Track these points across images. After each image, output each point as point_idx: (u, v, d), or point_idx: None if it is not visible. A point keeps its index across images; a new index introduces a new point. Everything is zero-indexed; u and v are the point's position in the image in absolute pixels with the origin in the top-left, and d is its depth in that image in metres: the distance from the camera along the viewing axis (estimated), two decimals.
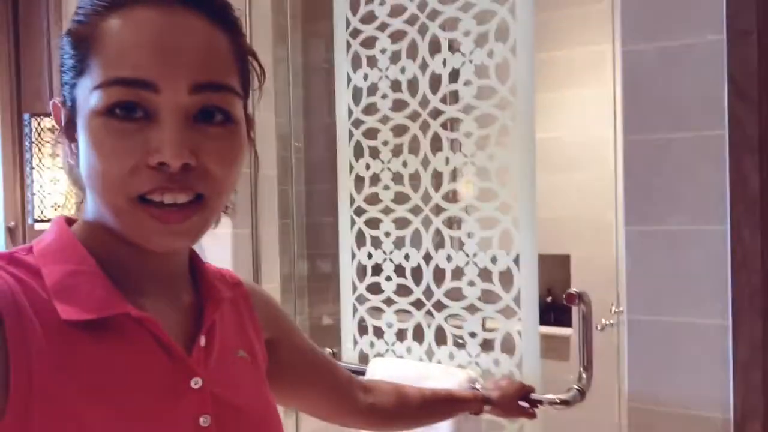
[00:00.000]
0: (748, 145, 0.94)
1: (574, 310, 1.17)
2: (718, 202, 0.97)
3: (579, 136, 2.23)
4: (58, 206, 1.66)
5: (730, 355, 0.96)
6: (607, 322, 1.72)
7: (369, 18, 1.34)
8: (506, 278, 1.18)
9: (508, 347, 1.19)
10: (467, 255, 1.23)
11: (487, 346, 1.22)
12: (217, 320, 0.56)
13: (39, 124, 1.66)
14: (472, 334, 1.23)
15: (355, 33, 1.36)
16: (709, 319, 0.98)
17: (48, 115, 1.68)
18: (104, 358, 0.46)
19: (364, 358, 1.38)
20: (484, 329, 1.22)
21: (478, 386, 1.10)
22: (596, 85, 2.14)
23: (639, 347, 1.03)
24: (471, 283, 1.22)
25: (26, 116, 1.66)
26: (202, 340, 0.53)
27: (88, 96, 0.45)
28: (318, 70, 2.65)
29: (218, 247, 1.48)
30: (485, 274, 1.21)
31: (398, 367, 1.25)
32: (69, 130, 0.50)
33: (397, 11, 1.30)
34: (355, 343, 1.39)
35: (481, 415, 0.99)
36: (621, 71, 1.04)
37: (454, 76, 1.23)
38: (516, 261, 1.16)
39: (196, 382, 0.50)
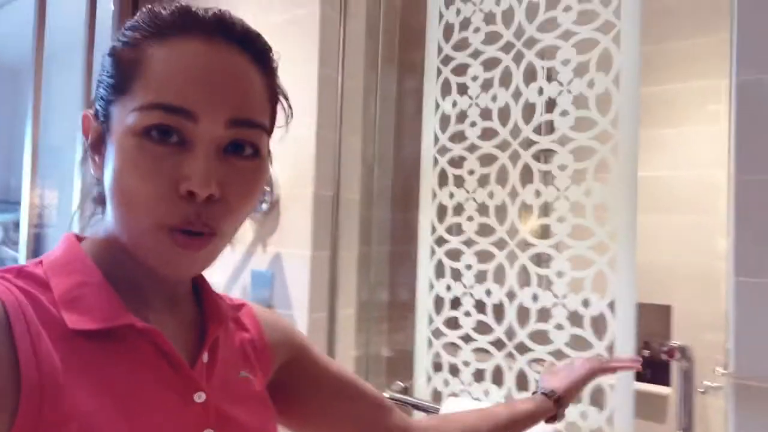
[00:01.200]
0: None
1: (674, 366, 1.05)
2: None
3: (686, 176, 2.06)
4: None
5: None
6: (711, 384, 1.54)
7: (462, 45, 1.32)
8: (599, 325, 1.08)
9: (598, 400, 1.09)
10: (556, 296, 1.14)
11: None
12: (220, 338, 0.56)
13: None
14: None
15: (446, 60, 1.34)
16: None
17: None
18: (110, 369, 0.46)
19: (437, 396, 1.31)
20: None
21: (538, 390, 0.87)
22: (707, 122, 1.98)
23: (746, 417, 0.91)
24: (559, 327, 1.14)
25: None
26: (205, 357, 0.53)
27: (126, 115, 0.47)
28: (407, 97, 2.66)
29: (296, 269, 1.48)
30: (575, 318, 1.12)
31: None
32: (96, 144, 0.51)
33: (491, 39, 1.27)
34: (429, 379, 1.33)
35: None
36: (734, 102, 0.93)
37: (550, 105, 1.17)
38: (611, 306, 1.07)
39: (199, 396, 0.50)
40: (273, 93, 0.53)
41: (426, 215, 1.35)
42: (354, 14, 1.62)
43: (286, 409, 0.65)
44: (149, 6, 0.50)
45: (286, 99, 0.56)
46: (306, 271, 1.47)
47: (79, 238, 0.53)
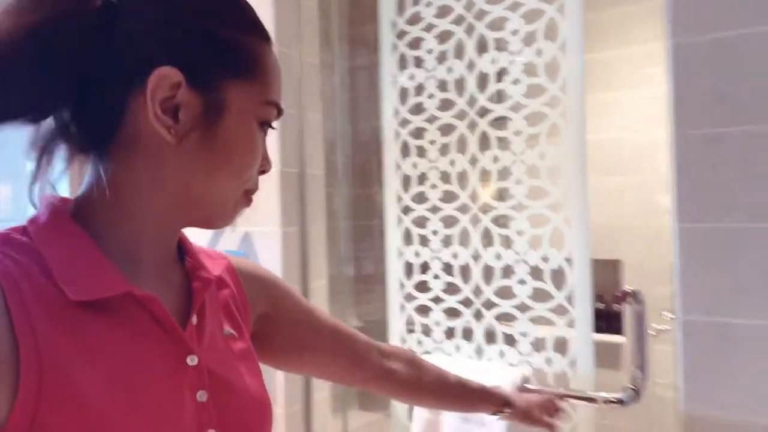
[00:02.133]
0: None
1: (627, 311, 1.15)
2: None
3: (630, 138, 2.18)
4: None
5: None
6: (661, 328, 1.68)
7: (415, 19, 1.36)
8: (558, 278, 1.17)
9: (561, 347, 1.18)
10: (517, 253, 1.23)
11: (539, 345, 1.21)
12: (206, 299, 0.57)
13: None
14: (524, 334, 1.22)
15: (401, 35, 1.38)
16: (766, 320, 0.95)
17: None
18: (107, 336, 0.47)
19: None
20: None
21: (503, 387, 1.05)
22: (647, 85, 2.09)
23: (694, 350, 1.01)
24: (521, 282, 1.22)
25: None
26: (194, 319, 0.55)
27: (252, 103, 0.53)
28: (361, 72, 2.68)
29: (267, 246, 1.52)
30: (536, 273, 1.20)
31: (450, 366, 1.25)
32: (176, 107, 0.49)
33: (444, 12, 1.31)
34: (404, 341, 1.40)
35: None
36: (671, 64, 1.01)
37: (502, 75, 1.23)
38: (568, 261, 1.15)
39: (192, 359, 0.52)
40: None
41: (391, 186, 1.41)
42: None
43: (269, 354, 0.70)
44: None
45: None
46: (277, 248, 1.50)
47: (63, 200, 0.51)
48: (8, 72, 0.44)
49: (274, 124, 0.57)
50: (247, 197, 0.57)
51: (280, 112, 0.56)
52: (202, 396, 0.52)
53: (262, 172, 0.58)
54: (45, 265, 0.46)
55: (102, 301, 0.47)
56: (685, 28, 1.00)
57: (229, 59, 0.51)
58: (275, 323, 0.70)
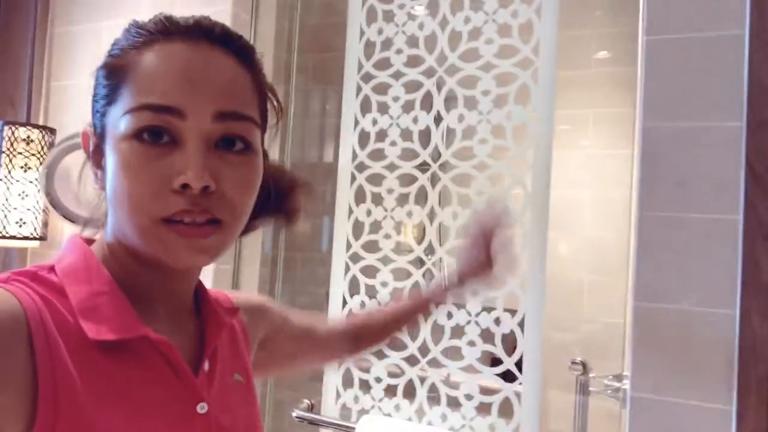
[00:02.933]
0: (762, 232, 0.97)
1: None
2: (729, 286, 0.98)
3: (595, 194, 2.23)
4: (23, 222, 1.54)
5: None
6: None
7: (383, 65, 1.33)
8: (509, 341, 1.15)
9: (506, 410, 1.16)
10: (469, 314, 1.20)
11: (483, 409, 1.18)
12: (218, 345, 0.58)
13: (13, 133, 1.54)
14: (468, 396, 1.19)
15: (366, 77, 1.35)
16: (714, 403, 0.98)
17: (24, 124, 1.58)
18: (123, 377, 0.47)
19: (345, 413, 1.31)
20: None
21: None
22: (618, 146, 2.16)
23: (641, 426, 1.02)
24: (471, 343, 1.19)
25: None
26: (206, 365, 0.55)
27: (118, 121, 0.48)
28: (316, 105, 2.62)
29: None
30: (486, 335, 1.18)
31: (391, 429, 1.19)
32: (96, 157, 0.53)
33: (414, 62, 1.30)
34: (338, 396, 1.33)
35: None
36: (639, 146, 1.05)
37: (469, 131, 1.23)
38: (520, 325, 1.14)
39: (202, 407, 0.52)
40: (261, 90, 0.55)
41: (341, 229, 1.35)
42: (264, 19, 1.57)
43: (268, 368, 0.75)
44: (134, 19, 0.54)
45: (275, 95, 0.58)
46: (207, 286, 1.39)
47: (87, 241, 0.54)
48: None
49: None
50: (170, 226, 0.47)
51: (159, 109, 0.47)
52: None
53: (183, 186, 0.47)
54: (68, 304, 0.47)
55: (119, 342, 0.47)
56: (654, 112, 1.04)
57: (104, 91, 0.51)
58: (273, 343, 0.73)
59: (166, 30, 0.50)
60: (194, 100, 0.48)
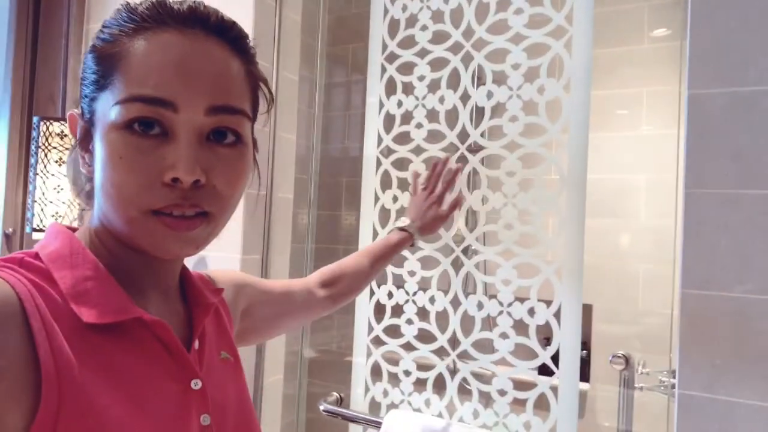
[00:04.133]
0: None
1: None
2: None
3: (600, 179, 2.13)
4: (59, 216, 1.56)
5: None
6: (640, 386, 1.60)
7: (408, 43, 1.27)
8: (545, 330, 1.07)
9: (543, 405, 1.08)
10: (501, 304, 1.12)
11: (518, 405, 1.10)
12: (206, 325, 0.59)
13: (48, 128, 1.57)
14: (501, 392, 1.12)
15: (391, 57, 1.29)
16: None
17: (58, 119, 1.60)
18: (119, 358, 0.48)
19: (374, 407, 1.26)
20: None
21: (400, 224, 1.13)
22: (626, 129, 2.06)
23: (690, 426, 0.92)
24: (504, 335, 1.11)
25: (36, 119, 1.58)
26: (196, 344, 0.56)
27: (109, 110, 0.48)
28: (341, 91, 2.59)
29: None
30: (520, 327, 1.10)
31: (417, 425, 1.13)
32: (84, 141, 0.53)
33: (440, 38, 1.22)
34: (367, 389, 1.28)
35: None
36: (686, 116, 0.95)
37: (498, 110, 1.14)
38: (556, 315, 1.06)
39: (196, 384, 0.53)
40: (253, 79, 0.54)
41: (367, 218, 1.30)
42: (290, 3, 1.53)
43: (252, 335, 0.77)
44: (126, 2, 0.52)
45: (266, 85, 0.57)
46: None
47: (71, 230, 0.54)
48: None
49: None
50: (159, 218, 0.48)
51: (152, 101, 0.47)
52: (205, 419, 0.53)
53: (175, 181, 0.47)
54: (57, 289, 0.47)
55: (112, 324, 0.48)
56: (703, 79, 0.93)
57: (95, 77, 0.50)
58: (253, 310, 0.75)
59: (159, 17, 0.49)
60: (187, 94, 0.47)
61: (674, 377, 0.98)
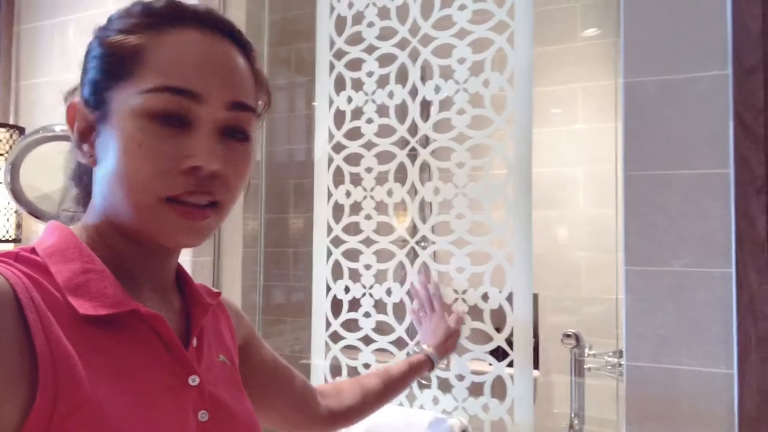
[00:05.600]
0: (755, 186, 0.92)
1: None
2: (723, 243, 0.94)
3: (543, 172, 2.22)
4: None
5: (735, 406, 0.91)
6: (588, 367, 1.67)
7: (355, 40, 1.29)
8: (497, 317, 1.11)
9: (499, 391, 1.11)
10: (455, 291, 1.15)
11: (476, 390, 1.14)
12: (204, 325, 0.60)
13: None
14: (459, 377, 1.15)
15: (339, 54, 1.30)
16: (713, 367, 0.93)
17: None
18: (116, 351, 0.48)
19: None
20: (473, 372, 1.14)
21: (416, 348, 1.10)
22: (565, 123, 2.15)
23: (638, 395, 0.97)
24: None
25: None
26: (194, 342, 0.56)
27: (130, 98, 0.49)
28: (283, 94, 2.57)
29: None
30: (474, 312, 1.13)
31: (382, 414, 1.14)
32: (86, 132, 0.53)
33: (386, 34, 1.25)
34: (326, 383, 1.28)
35: None
36: (622, 103, 1.00)
37: (446, 104, 1.18)
38: (509, 299, 1.10)
39: (193, 380, 0.53)
40: (258, 82, 0.58)
41: (321, 215, 1.30)
42: (235, 2, 1.52)
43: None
44: (139, 0, 0.54)
45: (268, 88, 0.60)
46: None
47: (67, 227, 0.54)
48: None
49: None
50: (172, 206, 0.50)
51: (178, 92, 0.49)
52: (203, 416, 0.53)
53: (194, 169, 0.49)
54: (54, 282, 0.47)
55: (109, 317, 0.48)
56: (637, 68, 0.99)
57: (111, 67, 0.51)
58: (246, 360, 0.71)
59: (179, 15, 0.52)
60: (213, 88, 0.50)
61: (620, 357, 1.04)
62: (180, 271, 0.62)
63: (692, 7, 0.97)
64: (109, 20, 0.54)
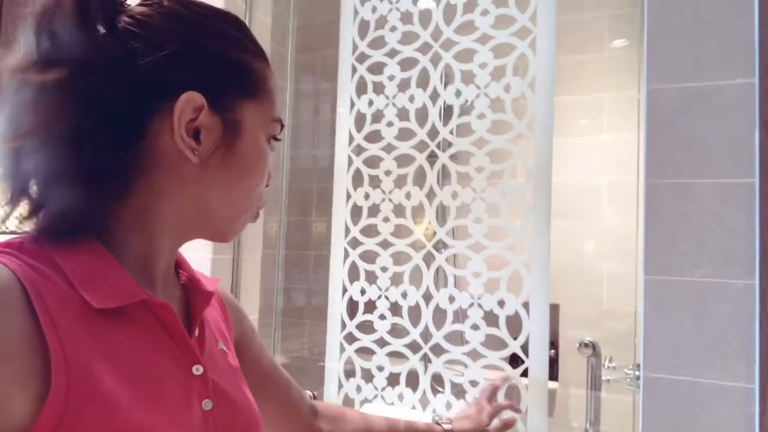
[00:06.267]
0: None
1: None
2: (746, 254, 0.92)
3: (565, 182, 2.20)
4: None
5: (756, 421, 0.89)
6: (606, 379, 1.64)
7: (378, 44, 1.30)
8: (513, 324, 1.10)
9: (512, 398, 1.10)
10: (472, 296, 1.15)
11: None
12: (204, 314, 0.60)
13: None
14: (473, 383, 1.14)
15: (361, 58, 1.31)
16: (733, 380, 0.91)
17: None
18: (125, 342, 0.48)
19: (348, 404, 1.27)
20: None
21: (437, 417, 0.98)
22: (589, 133, 2.13)
23: (655, 408, 0.95)
24: (474, 327, 1.14)
25: None
26: (196, 331, 0.57)
27: (266, 122, 0.57)
28: (308, 99, 2.60)
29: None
30: (490, 318, 1.13)
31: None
32: (200, 130, 0.53)
33: (408, 39, 1.26)
34: (340, 386, 1.28)
35: None
36: (645, 110, 0.99)
37: (466, 108, 1.18)
38: (525, 306, 1.09)
39: (197, 369, 0.54)
40: None
41: (339, 216, 1.31)
42: (261, 5, 1.54)
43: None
44: (239, 19, 0.58)
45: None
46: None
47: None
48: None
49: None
50: (256, 212, 0.59)
51: (282, 126, 0.59)
52: (207, 404, 0.54)
53: (267, 185, 0.59)
54: (63, 273, 0.47)
55: (119, 308, 0.48)
56: (659, 76, 0.98)
57: (243, 81, 0.55)
58: (241, 355, 0.70)
59: (265, 53, 0.59)
60: None
61: (638, 369, 1.02)
62: (180, 261, 0.62)
63: (718, 14, 0.95)
64: (237, 34, 0.56)
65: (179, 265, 0.61)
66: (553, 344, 2.10)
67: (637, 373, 1.14)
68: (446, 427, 0.94)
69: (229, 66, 0.54)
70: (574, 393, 2.09)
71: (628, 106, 2.11)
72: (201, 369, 0.54)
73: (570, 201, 2.19)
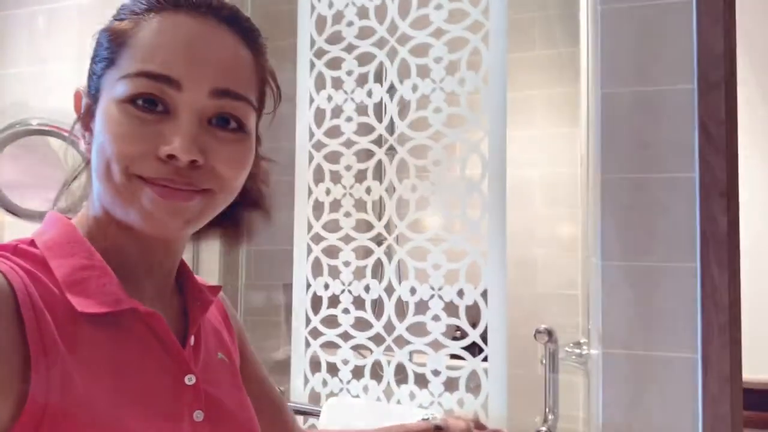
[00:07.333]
0: (718, 189, 0.96)
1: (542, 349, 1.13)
2: (688, 240, 0.98)
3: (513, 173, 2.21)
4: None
5: (699, 388, 0.96)
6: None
7: (335, 39, 1.30)
8: (472, 313, 1.13)
9: (473, 386, 1.13)
10: (432, 288, 1.17)
11: (451, 384, 1.16)
12: (202, 323, 0.58)
13: None
14: (435, 372, 1.16)
15: (319, 53, 1.31)
16: (680, 352, 0.98)
17: None
18: (112, 349, 0.47)
19: (315, 398, 1.28)
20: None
21: (428, 416, 0.95)
22: (550, 126, 2.16)
23: (613, 380, 1.02)
24: (436, 318, 1.16)
25: None
26: (192, 340, 0.55)
27: (114, 84, 0.48)
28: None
29: None
30: (450, 308, 1.15)
31: (356, 410, 1.16)
32: (86, 119, 0.52)
33: (365, 33, 1.26)
34: (306, 381, 1.29)
35: None
36: (599, 112, 1.04)
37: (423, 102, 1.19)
38: (484, 295, 1.12)
39: (189, 379, 0.52)
40: (262, 73, 0.55)
41: (301, 212, 1.31)
42: None
43: None
44: None
45: (275, 79, 0.57)
46: None
47: (68, 218, 0.53)
48: None
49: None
50: (150, 186, 0.47)
51: (155, 78, 0.47)
52: (198, 416, 0.52)
53: (171, 158, 0.46)
54: (53, 278, 0.46)
55: (107, 315, 0.47)
56: (611, 80, 1.03)
57: (106, 53, 0.50)
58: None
59: (174, 0, 0.50)
60: (193, 74, 0.48)
61: (581, 348, 1.07)
62: (182, 267, 0.59)
63: (662, 27, 1.02)
64: (119, 9, 0.52)
65: (183, 274, 0.59)
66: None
67: (581, 351, 1.19)
68: (439, 422, 0.81)
69: (96, 45, 0.52)
70: (522, 373, 2.13)
71: (562, 103, 2.15)
72: (194, 379, 0.52)
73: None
